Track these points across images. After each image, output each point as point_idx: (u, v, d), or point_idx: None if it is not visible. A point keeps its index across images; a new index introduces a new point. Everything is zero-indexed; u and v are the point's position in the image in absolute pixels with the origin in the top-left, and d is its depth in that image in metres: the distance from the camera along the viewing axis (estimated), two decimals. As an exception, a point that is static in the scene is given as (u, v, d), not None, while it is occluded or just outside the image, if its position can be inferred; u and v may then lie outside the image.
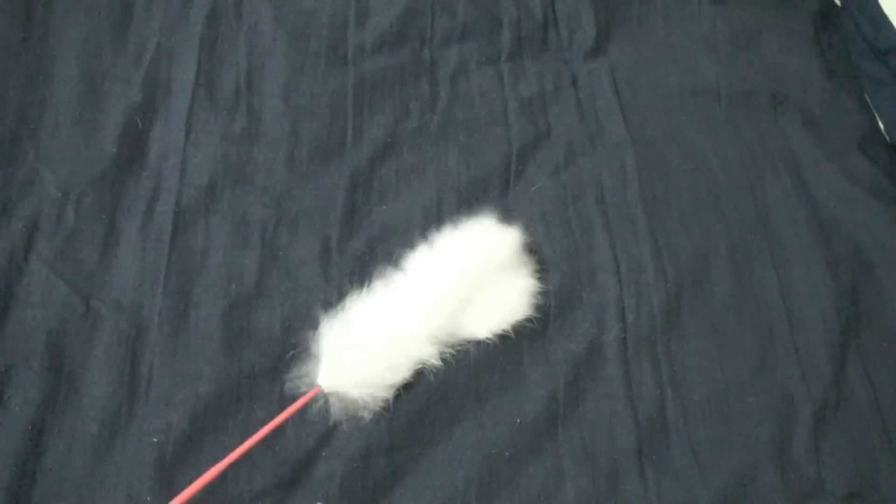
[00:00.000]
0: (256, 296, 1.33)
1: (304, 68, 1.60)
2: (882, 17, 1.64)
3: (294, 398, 1.18)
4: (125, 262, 1.34)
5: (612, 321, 1.33)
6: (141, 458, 1.17)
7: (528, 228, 1.40)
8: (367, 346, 1.20)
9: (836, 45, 1.73)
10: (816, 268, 1.39)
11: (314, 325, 1.26)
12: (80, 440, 1.18)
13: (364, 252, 1.38)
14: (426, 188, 1.47)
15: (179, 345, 1.27)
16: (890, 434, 1.24)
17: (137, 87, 1.53)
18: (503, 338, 1.29)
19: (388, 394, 1.21)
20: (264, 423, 1.20)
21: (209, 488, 1.14)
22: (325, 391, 1.17)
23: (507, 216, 1.43)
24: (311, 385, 1.18)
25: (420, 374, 1.25)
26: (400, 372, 1.22)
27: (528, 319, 1.30)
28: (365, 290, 1.29)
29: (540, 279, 1.33)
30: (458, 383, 1.25)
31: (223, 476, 1.16)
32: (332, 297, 1.32)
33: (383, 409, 1.20)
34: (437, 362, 1.24)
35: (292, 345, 1.27)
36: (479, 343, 1.28)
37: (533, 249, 1.37)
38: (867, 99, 1.65)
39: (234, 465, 1.17)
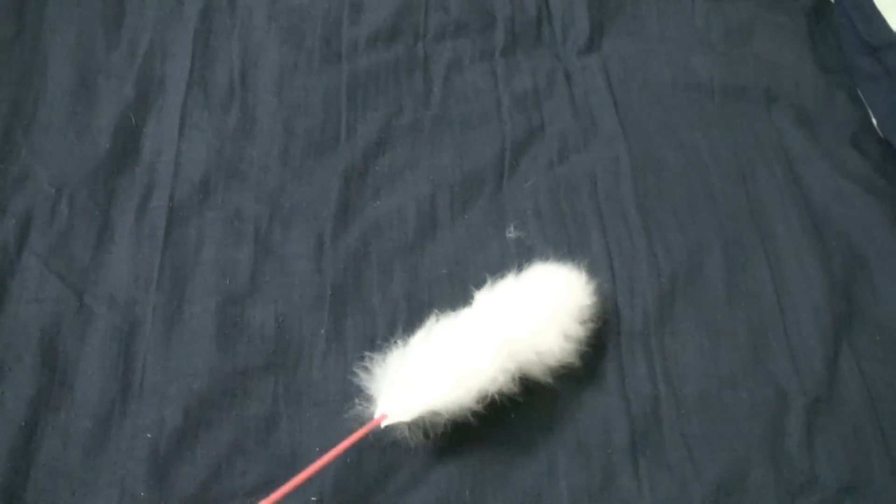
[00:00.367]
0: (250, 291, 1.33)
1: (298, 64, 1.60)
2: (875, 13, 1.64)
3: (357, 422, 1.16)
4: (119, 257, 1.34)
5: (605, 316, 1.33)
6: (135, 454, 1.16)
7: (521, 224, 1.41)
8: (431, 376, 1.15)
9: (829, 41, 1.73)
10: (809, 262, 1.39)
11: (315, 331, 1.26)
12: (73, 436, 1.18)
13: (358, 247, 1.38)
14: (420, 184, 1.47)
15: (173, 340, 1.27)
16: (883, 428, 1.24)
17: (131, 83, 1.53)
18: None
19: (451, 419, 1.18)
20: (259, 418, 1.21)
21: (202, 484, 1.14)
22: (389, 422, 1.14)
23: (500, 212, 1.44)
24: (373, 414, 1.14)
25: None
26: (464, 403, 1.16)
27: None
28: (427, 324, 1.23)
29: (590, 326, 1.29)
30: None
31: (216, 472, 1.16)
32: (326, 293, 1.33)
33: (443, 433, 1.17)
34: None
35: (285, 349, 1.27)
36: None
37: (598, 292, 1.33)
38: (860, 94, 1.65)
39: (227, 461, 1.17)
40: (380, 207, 1.43)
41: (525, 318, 1.21)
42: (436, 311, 1.25)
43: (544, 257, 1.33)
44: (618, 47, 1.68)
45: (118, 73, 1.54)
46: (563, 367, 1.21)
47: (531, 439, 1.22)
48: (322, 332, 1.27)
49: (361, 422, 1.14)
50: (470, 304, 1.26)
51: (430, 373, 1.15)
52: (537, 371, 1.20)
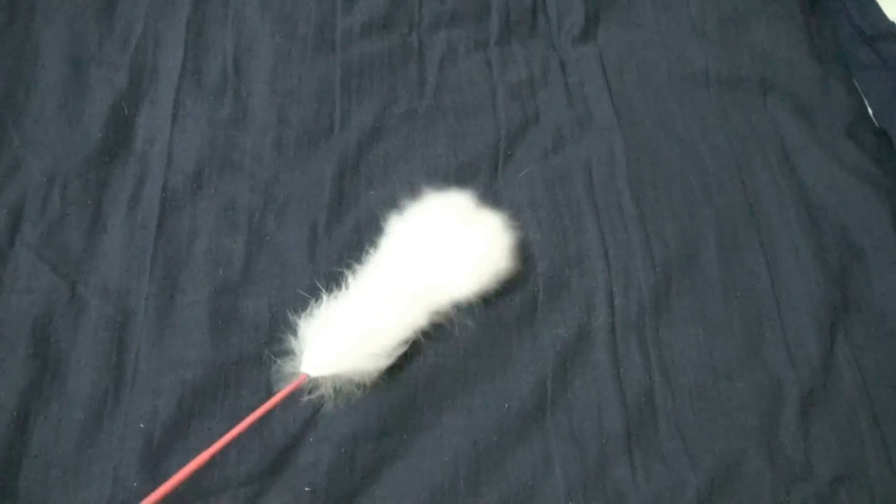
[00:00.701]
0: (244, 281, 1.32)
1: (292, 53, 1.59)
2: (871, 2, 1.64)
3: (280, 387, 1.17)
4: (111, 247, 1.34)
5: (600, 306, 1.32)
6: (127, 444, 1.16)
7: (516, 214, 1.40)
8: (351, 330, 1.19)
9: (825, 31, 1.72)
10: (805, 252, 1.39)
11: (300, 313, 1.25)
12: (65, 426, 1.17)
13: (352, 237, 1.37)
14: (414, 173, 1.46)
15: (166, 330, 1.27)
16: (878, 418, 1.24)
17: (123, 72, 1.52)
18: (491, 322, 1.29)
19: (377, 375, 1.21)
20: (252, 409, 1.20)
21: (196, 474, 1.14)
22: (312, 377, 1.16)
23: (495, 201, 1.43)
24: (297, 373, 1.17)
25: (408, 359, 1.24)
26: (388, 353, 1.21)
27: (515, 300, 1.31)
28: (344, 277, 1.28)
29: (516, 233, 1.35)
30: (446, 368, 1.25)
31: (210, 461, 1.15)
32: (320, 283, 1.32)
33: (372, 390, 1.19)
34: (426, 329, 1.24)
35: (278, 333, 1.27)
36: (466, 327, 1.28)
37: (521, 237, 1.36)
38: (856, 84, 1.64)
39: (221, 451, 1.16)
40: (374, 197, 1.43)
41: (433, 257, 1.28)
42: (352, 263, 1.31)
43: (538, 247, 1.33)
44: (613, 37, 1.67)
45: (110, 62, 1.53)
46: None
47: (526, 429, 1.22)
48: (303, 311, 1.26)
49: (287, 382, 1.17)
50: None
51: (348, 328, 1.18)
52: (467, 287, 1.27)
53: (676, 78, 1.62)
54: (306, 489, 1.14)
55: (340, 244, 1.36)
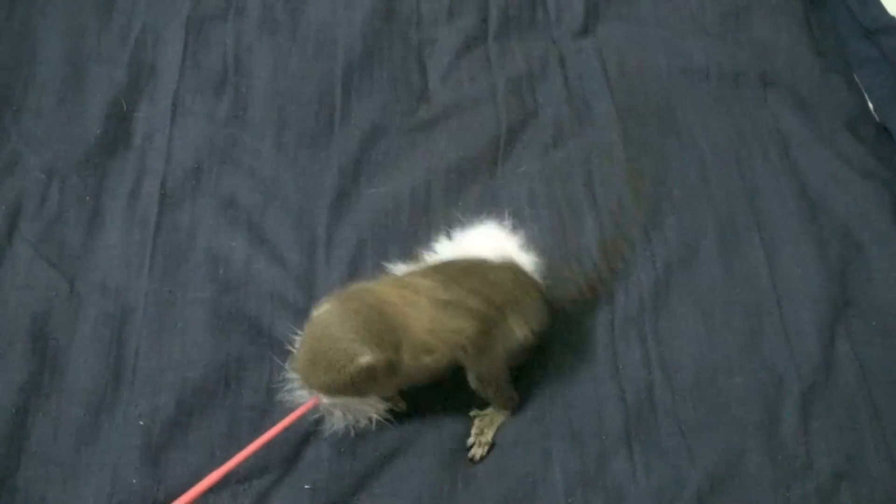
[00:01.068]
0: (244, 280, 1.32)
1: (293, 50, 1.59)
2: (871, -3, 1.64)
3: (289, 401, 1.15)
4: (110, 244, 1.34)
5: (599, 302, 1.32)
6: (127, 441, 1.16)
7: (515, 210, 1.40)
8: None
9: (826, 25, 1.72)
10: (805, 247, 1.39)
11: (302, 316, 1.25)
12: (65, 423, 1.17)
13: (352, 236, 1.37)
14: (415, 170, 1.46)
15: (166, 328, 1.26)
16: (879, 414, 1.24)
17: (122, 68, 1.53)
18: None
19: (400, 403, 1.20)
20: (252, 408, 1.21)
21: (196, 471, 1.14)
22: (324, 402, 1.13)
23: (495, 198, 1.43)
24: (308, 395, 1.14)
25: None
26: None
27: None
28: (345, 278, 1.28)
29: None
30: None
31: (210, 459, 1.16)
32: (319, 285, 1.32)
33: (389, 417, 1.18)
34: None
35: (279, 334, 1.26)
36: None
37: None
38: (856, 78, 1.64)
39: (221, 448, 1.17)
40: (374, 195, 1.42)
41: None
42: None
43: (537, 243, 1.32)
44: (613, 31, 1.67)
45: (109, 58, 1.53)
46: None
47: (525, 426, 1.21)
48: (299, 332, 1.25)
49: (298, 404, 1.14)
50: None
51: None
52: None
53: (676, 72, 1.61)
54: (306, 487, 1.14)
55: (341, 243, 1.36)
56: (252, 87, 1.54)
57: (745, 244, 1.40)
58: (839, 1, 1.71)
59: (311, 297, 1.30)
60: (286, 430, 1.14)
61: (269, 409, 1.21)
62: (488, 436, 1.19)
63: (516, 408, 1.22)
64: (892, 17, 1.63)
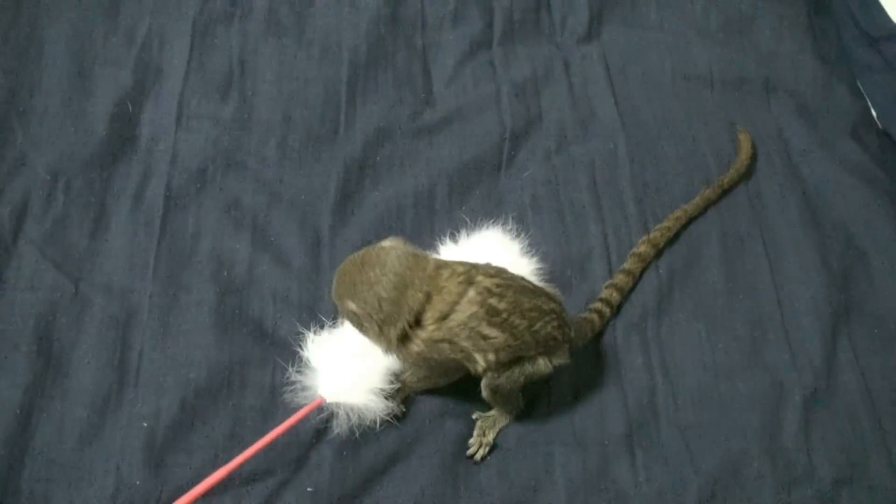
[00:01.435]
0: (248, 283, 1.32)
1: (298, 54, 1.59)
2: (875, 4, 1.64)
3: (296, 407, 1.16)
4: (115, 245, 1.34)
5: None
6: (130, 443, 1.16)
7: (518, 214, 1.40)
8: (371, 355, 1.17)
9: (829, 32, 1.72)
10: (808, 254, 1.39)
11: (305, 318, 1.26)
12: (69, 424, 1.18)
13: (356, 239, 1.37)
14: (418, 174, 1.46)
15: (170, 330, 1.27)
16: (880, 420, 1.24)
17: (128, 70, 1.53)
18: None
19: (400, 405, 1.20)
20: (255, 410, 1.21)
21: (199, 474, 1.14)
22: (328, 402, 1.15)
23: (498, 202, 1.43)
24: (314, 397, 1.16)
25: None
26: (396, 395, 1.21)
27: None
28: None
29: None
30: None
31: (214, 462, 1.16)
32: (323, 288, 1.32)
33: (393, 417, 1.19)
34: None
35: (282, 336, 1.27)
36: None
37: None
38: (859, 86, 1.64)
39: (224, 450, 1.17)
40: (378, 199, 1.43)
41: None
42: None
43: (540, 249, 1.33)
44: (617, 36, 1.67)
45: (115, 60, 1.54)
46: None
47: (528, 430, 1.22)
48: (313, 327, 1.25)
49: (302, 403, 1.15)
50: None
51: (367, 351, 1.16)
52: None
53: (680, 78, 1.62)
54: (309, 489, 1.15)
55: (345, 246, 1.36)
56: (257, 90, 1.54)
57: (748, 250, 1.40)
58: (843, 8, 1.71)
59: (315, 299, 1.31)
60: (289, 432, 1.14)
61: (271, 410, 1.21)
62: (490, 437, 1.19)
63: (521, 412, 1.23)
64: (896, 25, 1.64)
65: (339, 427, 1.15)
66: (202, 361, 1.24)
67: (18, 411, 1.17)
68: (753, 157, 1.50)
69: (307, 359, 1.18)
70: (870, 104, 1.62)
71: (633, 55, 1.64)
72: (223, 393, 1.22)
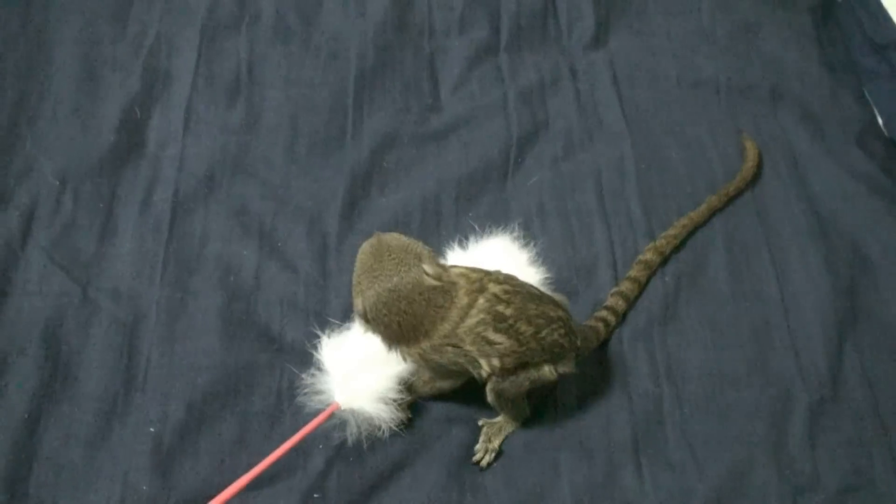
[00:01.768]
0: (255, 288, 1.33)
1: (306, 60, 1.60)
2: (881, 12, 1.64)
3: (308, 411, 1.17)
4: (123, 250, 1.34)
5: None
6: (138, 448, 1.17)
7: (525, 221, 1.40)
8: (382, 362, 1.17)
9: (836, 40, 1.72)
10: (814, 262, 1.39)
11: (312, 324, 1.26)
12: (76, 429, 1.18)
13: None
14: (425, 180, 1.47)
15: (177, 335, 1.27)
16: (886, 429, 1.24)
17: (136, 76, 1.53)
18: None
19: (407, 412, 1.20)
20: (263, 415, 1.21)
21: (206, 478, 1.15)
22: (343, 408, 1.16)
23: (505, 209, 1.44)
24: (329, 401, 1.16)
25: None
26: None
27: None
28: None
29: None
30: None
31: (220, 466, 1.16)
32: (330, 294, 1.33)
33: (401, 427, 1.19)
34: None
35: (289, 341, 1.27)
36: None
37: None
38: (866, 93, 1.64)
39: (231, 455, 1.17)
40: (385, 205, 1.43)
41: None
42: None
43: (546, 255, 1.33)
44: (624, 43, 1.67)
45: (124, 66, 1.54)
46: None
47: (534, 437, 1.22)
48: (327, 331, 1.26)
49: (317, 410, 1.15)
50: None
51: (378, 358, 1.16)
52: None
53: (687, 85, 1.62)
54: (315, 496, 1.15)
55: (351, 252, 1.35)
56: (265, 96, 1.55)
57: (754, 258, 1.41)
58: (849, 16, 1.72)
59: (323, 304, 1.31)
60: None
61: (278, 415, 1.21)
62: (496, 443, 1.19)
63: (526, 418, 1.23)
64: (903, 33, 1.64)
65: (349, 434, 1.15)
66: (209, 366, 1.24)
67: (26, 416, 1.18)
68: (759, 165, 1.50)
69: (320, 361, 1.18)
70: (876, 112, 1.62)
71: (639, 62, 1.65)
72: (230, 398, 1.22)
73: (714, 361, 1.30)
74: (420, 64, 1.62)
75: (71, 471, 1.15)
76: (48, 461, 1.15)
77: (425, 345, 1.08)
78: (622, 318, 1.33)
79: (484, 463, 1.19)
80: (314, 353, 1.19)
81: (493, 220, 1.39)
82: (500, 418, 1.21)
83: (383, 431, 1.16)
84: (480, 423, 1.21)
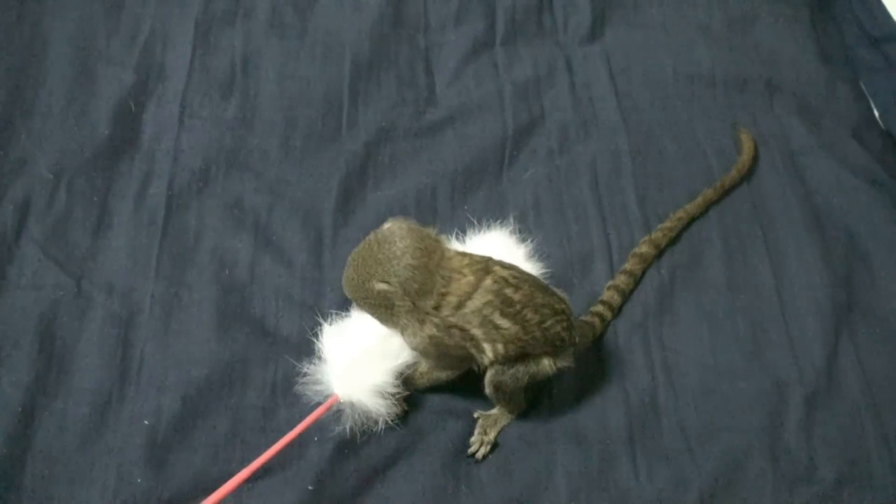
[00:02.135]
0: (250, 282, 1.32)
1: (301, 54, 1.60)
2: (877, 4, 1.64)
3: (306, 402, 1.16)
4: (117, 244, 1.34)
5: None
6: (132, 441, 1.16)
7: (520, 214, 1.40)
8: (381, 355, 1.17)
9: (832, 32, 1.72)
10: (810, 254, 1.39)
11: (307, 317, 1.26)
12: (70, 422, 1.17)
13: (358, 239, 1.36)
14: (421, 174, 1.47)
15: (172, 328, 1.27)
16: (881, 420, 1.24)
17: (131, 70, 1.53)
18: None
19: (403, 405, 1.20)
20: (257, 408, 1.21)
21: (201, 472, 1.14)
22: (342, 400, 1.15)
23: (500, 202, 1.43)
24: (327, 392, 1.15)
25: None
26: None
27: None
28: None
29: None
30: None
31: (214, 458, 1.16)
32: (325, 287, 1.32)
33: (397, 420, 1.19)
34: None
35: (284, 334, 1.27)
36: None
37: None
38: (862, 86, 1.64)
39: (225, 448, 1.17)
40: (380, 199, 1.43)
41: None
42: None
43: (542, 249, 1.33)
44: (620, 37, 1.67)
45: (118, 60, 1.54)
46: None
47: (529, 428, 1.22)
48: (328, 319, 1.25)
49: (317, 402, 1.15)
50: None
51: (377, 351, 1.16)
52: None
53: (682, 78, 1.62)
54: (310, 488, 1.15)
55: (346, 245, 1.36)
56: (260, 90, 1.54)
57: (750, 250, 1.40)
58: (846, 9, 1.72)
59: (317, 298, 1.31)
60: (289, 430, 1.14)
61: (273, 409, 1.21)
62: (491, 435, 1.19)
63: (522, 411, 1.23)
64: (899, 25, 1.64)
65: (346, 427, 1.15)
66: (204, 360, 1.24)
67: (20, 409, 1.17)
68: (755, 158, 1.50)
69: (321, 349, 1.17)
70: (872, 104, 1.62)
71: (635, 55, 1.65)
72: (225, 391, 1.22)
73: (709, 353, 1.30)
74: (415, 58, 1.62)
75: (65, 464, 1.15)
76: (42, 454, 1.15)
77: (436, 320, 1.08)
78: (618, 311, 1.33)
79: (479, 455, 1.19)
80: (314, 340, 1.18)
81: (489, 214, 1.38)
82: (495, 410, 1.21)
83: (379, 425, 1.16)
84: (476, 415, 1.21)
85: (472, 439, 1.20)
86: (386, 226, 1.11)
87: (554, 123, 1.54)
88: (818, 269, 1.38)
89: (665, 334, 1.31)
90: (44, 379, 1.20)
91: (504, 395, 1.16)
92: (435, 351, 1.12)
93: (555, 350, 1.15)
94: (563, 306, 1.15)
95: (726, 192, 1.45)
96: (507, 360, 1.13)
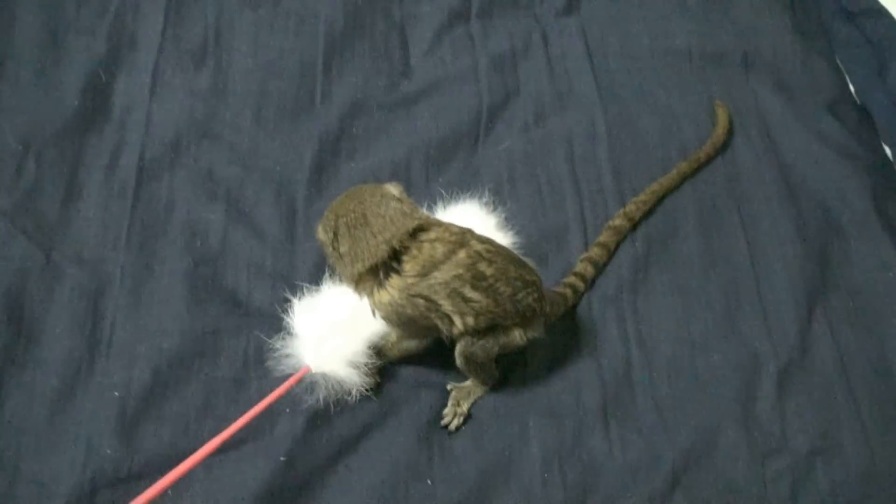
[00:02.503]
0: (222, 253, 1.31)
1: (275, 25, 1.58)
2: (854, -21, 1.64)
3: (277, 375, 1.15)
4: (87, 215, 1.33)
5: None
6: (101, 412, 1.15)
7: (495, 186, 1.39)
8: (352, 326, 1.17)
9: (808, 7, 1.72)
10: (784, 227, 1.39)
11: (280, 289, 1.25)
12: (39, 393, 1.16)
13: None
14: (395, 146, 1.46)
15: (142, 300, 1.26)
16: (854, 392, 1.25)
17: (101, 40, 1.51)
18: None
19: (376, 376, 1.20)
20: (228, 380, 1.20)
21: (170, 443, 1.14)
22: (313, 371, 1.15)
23: (475, 175, 1.43)
24: (299, 365, 1.15)
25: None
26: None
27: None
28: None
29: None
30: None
31: (185, 430, 1.15)
32: (300, 257, 1.31)
33: (372, 391, 1.18)
34: None
35: (256, 305, 1.26)
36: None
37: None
38: (838, 60, 1.64)
39: (196, 420, 1.16)
40: (354, 170, 1.42)
41: None
42: None
43: (516, 222, 1.32)
44: (596, 10, 1.66)
45: (88, 29, 1.52)
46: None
47: (503, 401, 1.21)
48: (298, 295, 1.24)
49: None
50: None
51: (349, 328, 1.16)
52: None
53: (659, 52, 1.61)
54: (282, 458, 1.14)
55: (320, 215, 1.34)
56: (232, 61, 1.53)
57: (725, 223, 1.40)
58: (822, -18, 1.72)
59: (290, 268, 1.30)
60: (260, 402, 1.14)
61: (245, 380, 1.20)
62: (465, 407, 1.19)
63: (495, 382, 1.22)
64: (874, 0, 1.64)
65: (319, 398, 1.14)
66: (175, 331, 1.23)
67: (-12, 380, 1.16)
68: (730, 131, 1.49)
69: (291, 325, 1.17)
70: (848, 79, 1.62)
71: (611, 29, 1.64)
72: (196, 363, 1.21)
73: (684, 326, 1.30)
74: (390, 29, 1.60)
75: (34, 435, 1.14)
76: (10, 425, 1.14)
77: (392, 290, 1.07)
78: (591, 283, 1.32)
79: (453, 426, 1.19)
80: (284, 317, 1.18)
81: (464, 186, 1.38)
82: (468, 382, 1.20)
83: (353, 395, 1.15)
84: (449, 387, 1.21)
85: (446, 411, 1.19)
86: (385, 185, 1.10)
87: (529, 96, 1.54)
88: (792, 242, 1.38)
89: (639, 307, 1.31)
90: (12, 350, 1.19)
91: (475, 366, 1.16)
92: (397, 319, 1.11)
93: (525, 321, 1.15)
94: (534, 278, 1.15)
95: (701, 166, 1.45)
96: (477, 332, 1.12)
